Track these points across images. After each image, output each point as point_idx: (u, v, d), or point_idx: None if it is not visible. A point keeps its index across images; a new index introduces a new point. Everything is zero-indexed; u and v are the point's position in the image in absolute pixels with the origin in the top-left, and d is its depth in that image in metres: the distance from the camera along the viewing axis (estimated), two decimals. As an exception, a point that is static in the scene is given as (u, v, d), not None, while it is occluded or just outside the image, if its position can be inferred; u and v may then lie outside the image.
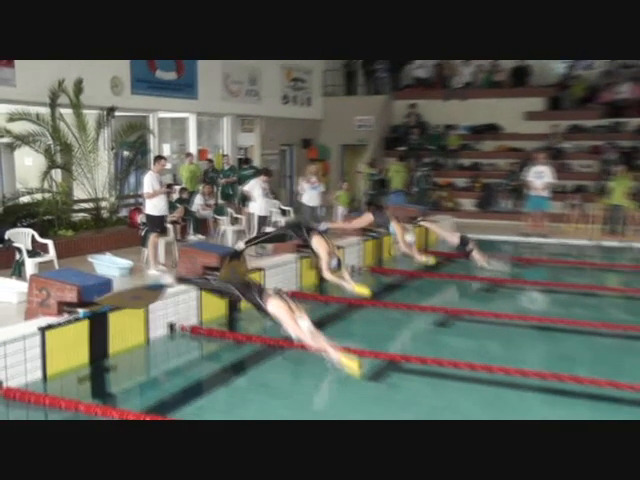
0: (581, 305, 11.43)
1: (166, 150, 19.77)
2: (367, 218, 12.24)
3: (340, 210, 18.70)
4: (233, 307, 10.46)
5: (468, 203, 22.58)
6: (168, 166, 15.56)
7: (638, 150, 21.84)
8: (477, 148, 24.33)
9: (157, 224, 12.80)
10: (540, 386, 7.62)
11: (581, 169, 22.29)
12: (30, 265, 11.74)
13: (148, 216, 12.88)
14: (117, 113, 16.36)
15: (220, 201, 17.30)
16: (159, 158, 13.29)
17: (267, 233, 10.37)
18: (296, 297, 11.29)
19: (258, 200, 14.80)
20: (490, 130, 24.32)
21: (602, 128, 22.86)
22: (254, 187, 14.83)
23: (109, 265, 12.42)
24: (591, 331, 9.75)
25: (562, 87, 24.17)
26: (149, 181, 12.58)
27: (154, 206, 12.69)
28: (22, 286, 9.96)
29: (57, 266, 12.05)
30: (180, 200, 15.60)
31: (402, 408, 6.55)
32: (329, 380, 7.06)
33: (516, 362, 8.17)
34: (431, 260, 11.46)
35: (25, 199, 14.79)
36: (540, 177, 17.96)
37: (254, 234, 14.62)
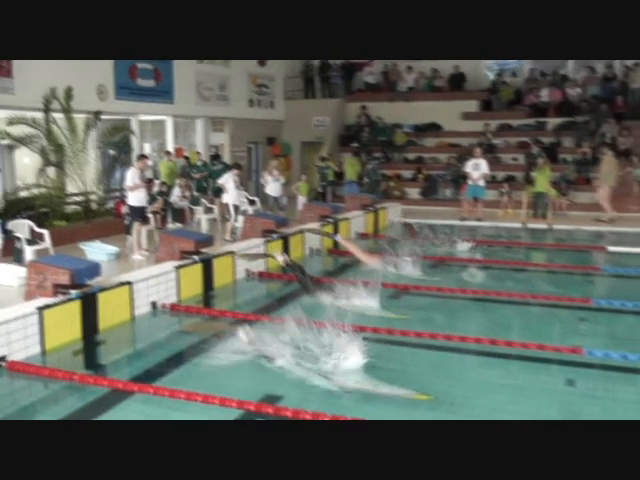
0: (512, 279, 11.54)
1: (147, 149, 19.63)
2: (374, 260, 11.81)
3: (301, 199, 18.68)
4: (207, 286, 10.43)
5: (413, 192, 22.69)
6: (149, 163, 15.45)
7: (557, 145, 22.16)
8: (421, 144, 24.49)
9: (139, 214, 12.77)
10: (477, 350, 7.69)
11: (510, 162, 22.52)
12: (29, 252, 11.63)
13: (131, 207, 12.85)
14: (103, 117, 16.27)
15: (195, 193, 17.20)
16: (143, 157, 13.40)
17: (303, 272, 9.77)
18: (263, 276, 11.40)
19: (231, 192, 14.79)
20: (432, 128, 24.52)
21: (527, 127, 23.22)
22: (228, 180, 14.83)
23: (98, 251, 12.33)
24: (521, 301, 9.84)
25: (493, 91, 24.50)
26: (131, 176, 12.62)
27: (136, 198, 12.70)
28: (22, 271, 9.84)
29: (52, 252, 11.94)
30: (160, 193, 15.52)
31: (364, 371, 6.60)
32: (294, 346, 7.04)
33: (456, 329, 8.24)
34: None
35: (24, 194, 14.70)
36: (477, 169, 18.11)
37: (232, 221, 14.61)
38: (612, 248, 13.92)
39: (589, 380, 6.80)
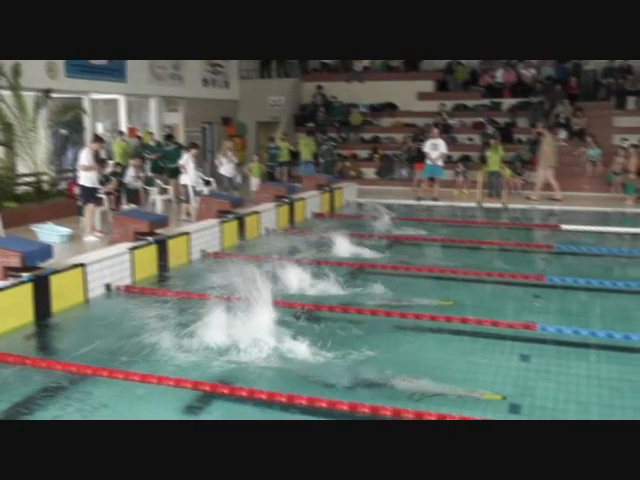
0: (467, 257, 11.62)
1: (100, 128, 19.32)
2: None
3: (253, 180, 18.58)
4: (163, 267, 10.36)
5: (369, 172, 22.79)
6: (104, 145, 15.23)
7: (512, 125, 22.42)
8: (376, 124, 24.57)
9: (91, 194, 12.60)
10: (432, 327, 7.76)
11: (466, 142, 22.72)
12: (-22, 235, 11.40)
13: (82, 187, 12.66)
14: (53, 95, 15.92)
15: (149, 174, 17.00)
16: (100, 140, 13.23)
17: None
18: (219, 257, 11.33)
19: (190, 172, 14.65)
20: (387, 108, 24.58)
21: (482, 107, 23.50)
22: (188, 161, 14.69)
23: (50, 233, 12.16)
24: (475, 279, 9.97)
25: (448, 72, 24.65)
26: (85, 155, 12.42)
27: (88, 178, 12.53)
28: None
29: (3, 234, 11.73)
30: (114, 173, 15.29)
31: (322, 339, 6.74)
32: (257, 324, 7.03)
33: (412, 307, 8.32)
34: None
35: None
36: (435, 149, 18.21)
37: (193, 203, 14.45)
38: (565, 226, 14.16)
39: (543, 356, 6.92)
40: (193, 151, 15.00)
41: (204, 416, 5.64)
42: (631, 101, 21.78)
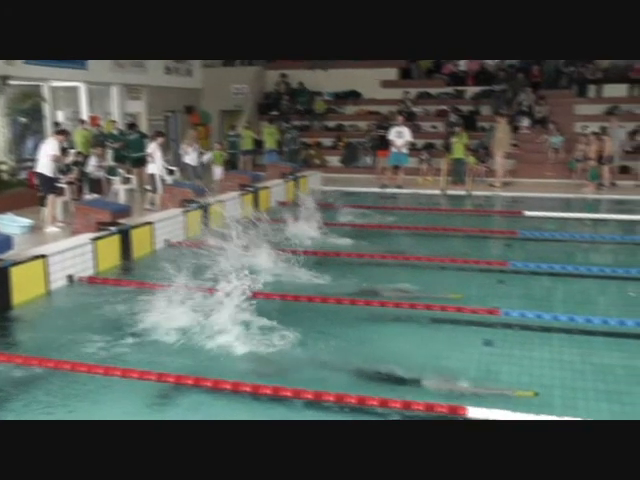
0: (431, 244, 11.70)
1: (60, 117, 18.98)
2: None
3: (217, 170, 18.43)
4: (126, 257, 10.26)
5: (334, 160, 22.80)
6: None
7: (476, 113, 22.57)
8: (340, 112, 24.57)
9: (50, 184, 12.42)
10: (396, 314, 7.80)
11: (429, 130, 22.82)
12: None
13: (42, 176, 12.44)
14: (11, 82, 15.56)
15: (112, 163, 16.77)
16: (65, 133, 13.31)
17: None
18: (183, 245, 11.24)
19: (158, 162, 14.48)
20: (351, 96, 24.59)
21: (446, 95, 23.62)
22: (155, 150, 14.51)
23: (11, 224, 11.94)
24: (440, 266, 10.04)
25: (412, 60, 24.61)
26: (53, 146, 12.29)
27: (49, 168, 12.33)
28: None
29: (-39, 226, 11.50)
30: (75, 163, 15.06)
31: (294, 325, 6.84)
32: (224, 309, 7.00)
33: (376, 295, 8.36)
34: None
35: None
36: (400, 136, 18.27)
37: (160, 192, 14.27)
38: (529, 213, 14.31)
39: (506, 340, 7.00)
40: (159, 140, 14.82)
41: (170, 407, 5.60)
42: (592, 89, 22.09)
